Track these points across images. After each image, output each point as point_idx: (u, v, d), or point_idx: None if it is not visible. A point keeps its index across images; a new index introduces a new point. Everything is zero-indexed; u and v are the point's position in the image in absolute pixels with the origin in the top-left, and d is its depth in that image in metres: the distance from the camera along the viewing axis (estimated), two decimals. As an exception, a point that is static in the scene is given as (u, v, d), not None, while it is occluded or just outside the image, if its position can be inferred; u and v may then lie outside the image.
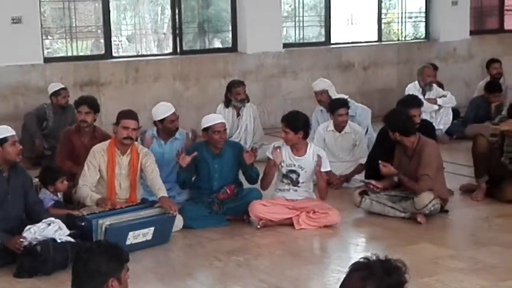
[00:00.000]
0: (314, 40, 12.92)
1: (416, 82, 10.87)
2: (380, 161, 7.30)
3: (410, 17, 13.91)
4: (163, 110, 7.91)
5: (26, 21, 10.38)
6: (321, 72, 11.76)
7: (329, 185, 7.74)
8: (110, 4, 11.27)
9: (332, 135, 8.62)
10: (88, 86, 10.57)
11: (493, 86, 11.02)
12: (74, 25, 11.21)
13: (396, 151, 7.37)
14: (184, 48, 11.91)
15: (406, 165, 7.28)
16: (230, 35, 12.17)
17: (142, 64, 11.43)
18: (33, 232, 6.09)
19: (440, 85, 11.14)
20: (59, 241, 6.11)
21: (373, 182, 7.33)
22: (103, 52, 11.37)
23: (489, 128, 8.84)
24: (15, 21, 10.26)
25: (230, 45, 12.16)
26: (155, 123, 7.94)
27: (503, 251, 6.31)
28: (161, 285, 5.90)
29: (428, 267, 5.86)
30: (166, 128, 7.88)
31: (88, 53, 11.42)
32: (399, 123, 7.30)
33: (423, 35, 13.80)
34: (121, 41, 11.82)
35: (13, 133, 6.49)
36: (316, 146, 7.62)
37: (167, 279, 6.03)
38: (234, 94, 9.60)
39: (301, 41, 12.82)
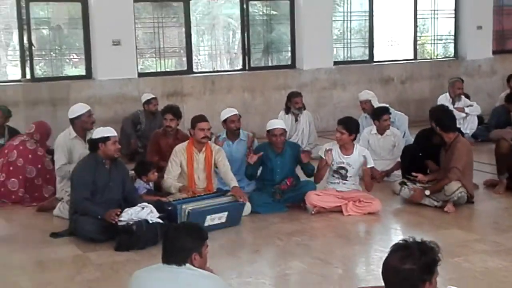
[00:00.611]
0: (359, 59, 12.85)
1: (447, 93, 10.75)
2: (413, 173, 7.38)
3: (441, 39, 13.75)
4: (226, 112, 7.96)
5: (124, 43, 10.54)
6: (365, 85, 11.68)
7: (372, 179, 7.68)
8: (192, 29, 11.38)
9: (375, 137, 8.57)
10: (173, 97, 10.68)
11: (512, 98, 10.87)
12: (162, 46, 11.37)
13: (442, 149, 7.31)
14: (252, 65, 11.94)
15: (443, 157, 7.27)
16: (289, 54, 12.18)
17: (217, 78, 11.51)
18: (130, 214, 6.22)
19: (467, 96, 10.98)
20: (150, 222, 6.21)
21: (420, 175, 7.30)
22: (185, 68, 11.46)
23: (510, 133, 8.78)
24: (115, 43, 10.44)
25: (289, 63, 12.14)
26: (222, 124, 7.99)
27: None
28: (233, 260, 5.90)
29: (457, 249, 5.79)
30: (229, 128, 7.90)
31: (173, 69, 11.52)
32: (443, 119, 7.27)
33: (452, 54, 13.61)
34: (200, 59, 11.91)
35: (115, 134, 6.65)
36: (361, 147, 7.57)
37: (238, 255, 6.08)
38: (293, 103, 9.63)
39: (349, 59, 12.76)
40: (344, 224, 6.78)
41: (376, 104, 9.29)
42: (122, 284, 5.10)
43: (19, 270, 5.78)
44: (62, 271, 5.73)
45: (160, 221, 6.26)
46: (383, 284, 3.15)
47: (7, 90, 10.01)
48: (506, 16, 13.89)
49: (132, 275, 3.72)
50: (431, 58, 13.63)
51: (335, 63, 12.32)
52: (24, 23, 10.25)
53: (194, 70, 11.55)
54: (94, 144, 6.54)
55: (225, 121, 7.89)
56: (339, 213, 7.00)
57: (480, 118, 10.89)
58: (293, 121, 9.61)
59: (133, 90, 10.57)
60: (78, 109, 7.61)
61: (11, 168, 7.82)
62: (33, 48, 10.39)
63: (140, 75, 10.89)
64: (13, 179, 7.80)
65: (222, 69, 12.00)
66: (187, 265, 3.59)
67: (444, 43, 13.78)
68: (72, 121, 7.53)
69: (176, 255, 3.60)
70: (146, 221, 6.21)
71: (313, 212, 7.02)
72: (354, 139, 7.32)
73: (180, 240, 3.64)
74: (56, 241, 6.44)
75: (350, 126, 7.17)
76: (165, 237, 3.75)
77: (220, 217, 6.59)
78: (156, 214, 6.31)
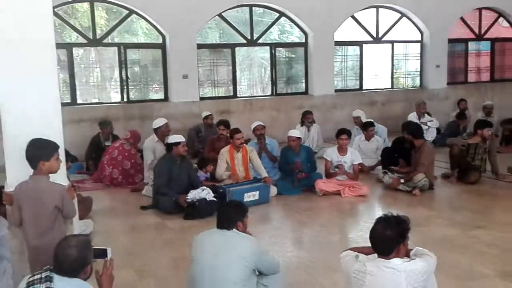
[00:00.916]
0: (352, 87, 12.67)
1: (415, 112, 10.65)
2: (393, 167, 7.55)
3: (410, 74, 13.55)
4: (254, 124, 7.91)
5: (190, 77, 10.54)
6: (357, 106, 11.49)
7: (362, 171, 7.69)
8: (236, 67, 11.38)
9: (364, 143, 8.47)
10: (223, 113, 10.63)
11: (461, 116, 10.74)
12: (215, 79, 11.38)
13: (412, 151, 7.30)
14: (277, 92, 11.88)
15: (413, 157, 7.21)
16: (303, 84, 12.08)
17: (254, 101, 11.48)
18: (194, 194, 6.30)
19: (429, 114, 10.84)
20: (208, 200, 6.28)
21: (398, 167, 7.49)
22: (231, 94, 11.43)
23: (460, 140, 8.71)
24: (184, 77, 10.46)
25: (304, 90, 12.05)
26: (252, 132, 7.91)
27: (469, 213, 6.11)
28: (265, 226, 5.91)
29: (422, 221, 5.75)
30: (255, 134, 7.82)
31: (223, 95, 11.45)
32: (414, 130, 7.33)
33: (418, 85, 13.37)
34: (241, 88, 11.88)
35: (184, 139, 6.71)
36: (352, 149, 7.56)
37: (267, 223, 6.13)
38: (306, 118, 9.58)
39: (345, 88, 12.58)
40: (342, 203, 6.75)
41: (364, 119, 9.22)
42: (188, 242, 5.08)
43: (120, 232, 5.87)
44: (148, 233, 5.81)
45: (214, 199, 6.31)
46: (370, 245, 3.16)
47: (111, 109, 10.11)
48: (457, 58, 13.66)
49: (196, 235, 3.72)
50: (403, 87, 13.43)
51: (336, 90, 12.21)
52: (122, 63, 10.36)
53: (238, 95, 11.52)
54: (169, 147, 6.63)
55: (253, 130, 7.85)
56: (338, 195, 6.97)
57: (438, 129, 10.73)
58: (306, 131, 9.55)
59: (196, 109, 10.58)
60: (159, 121, 7.72)
61: (113, 162, 7.91)
62: (128, 80, 10.51)
63: (201, 99, 10.89)
64: (115, 170, 7.89)
65: (257, 95, 11.95)
66: (234, 229, 3.59)
67: (412, 76, 13.58)
68: (155, 130, 7.64)
69: (226, 222, 3.59)
70: (205, 199, 6.28)
71: (320, 194, 6.99)
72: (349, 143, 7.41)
73: (229, 212, 3.65)
74: (144, 212, 6.52)
75: (349, 134, 7.47)
76: (218, 210, 3.73)
77: (254, 195, 6.61)
78: (211, 194, 6.37)
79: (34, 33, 3.76)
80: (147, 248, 5.26)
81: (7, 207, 3.72)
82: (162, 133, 7.55)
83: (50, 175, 3.62)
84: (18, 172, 3.67)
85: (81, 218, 4.96)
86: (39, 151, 3.56)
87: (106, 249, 3.23)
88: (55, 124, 3.82)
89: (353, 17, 12.17)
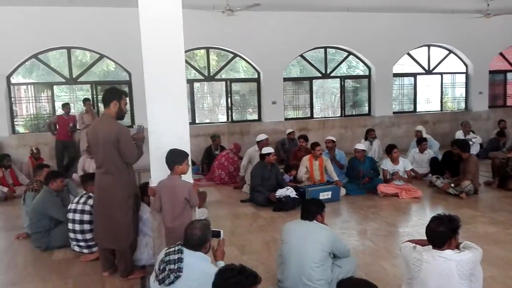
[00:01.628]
0: (407, 110, 12.14)
1: (461, 130, 9.95)
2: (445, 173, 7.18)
3: (456, 99, 12.71)
4: (327, 139, 7.72)
5: (278, 103, 10.60)
6: (411, 125, 11.08)
7: (415, 178, 7.35)
8: (313, 94, 11.31)
9: (418, 154, 8.04)
10: (303, 130, 10.58)
11: (501, 133, 9.91)
12: (296, 104, 11.36)
13: (460, 162, 6.90)
14: (346, 114, 11.64)
15: (461, 167, 6.83)
16: (367, 108, 11.77)
17: (326, 120, 11.30)
18: (281, 192, 6.34)
19: (473, 132, 10.09)
20: (292, 197, 6.28)
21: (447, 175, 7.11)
22: (309, 115, 11.35)
23: (500, 154, 8.07)
24: (273, 103, 10.59)
25: (367, 112, 11.75)
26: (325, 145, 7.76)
27: (508, 214, 5.67)
28: (336, 219, 5.80)
29: (468, 220, 5.40)
30: (327, 147, 7.65)
31: (302, 116, 11.37)
32: (462, 145, 6.93)
33: (464, 108, 12.54)
34: (316, 110, 11.73)
35: (272, 150, 6.72)
36: (403, 158, 7.21)
37: (338, 217, 6.00)
38: (369, 135, 9.24)
39: (401, 110, 12.07)
40: (399, 203, 6.50)
41: (424, 134, 8.74)
42: (277, 228, 5.16)
43: (225, 218, 5.94)
44: (246, 220, 5.87)
45: (296, 196, 6.30)
46: (425, 238, 3.03)
47: (219, 127, 10.36)
48: (496, 86, 12.72)
49: (286, 223, 3.75)
50: (451, 110, 12.65)
51: (393, 112, 11.74)
52: (228, 93, 10.65)
53: (314, 116, 11.42)
54: (262, 156, 6.68)
55: (325, 142, 7.71)
56: (397, 197, 6.71)
57: (481, 145, 9.96)
58: (369, 145, 9.19)
59: (281, 127, 10.60)
60: (261, 136, 7.65)
61: (221, 166, 8.07)
62: (232, 105, 10.76)
63: (285, 119, 10.89)
64: (222, 172, 8.04)
65: (329, 116, 11.75)
66: (314, 221, 3.61)
67: (458, 101, 12.74)
68: (258, 142, 7.60)
69: (308, 215, 3.60)
70: (289, 196, 6.29)
71: (381, 196, 6.77)
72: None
73: (311, 207, 3.66)
74: (243, 204, 6.61)
75: (388, 150, 7.12)
76: (302, 205, 3.73)
77: (327, 194, 6.54)
78: (294, 192, 6.37)
79: (172, 72, 3.86)
80: (246, 231, 5.34)
81: (151, 198, 3.89)
82: (262, 145, 7.59)
83: (181, 175, 3.75)
84: (159, 172, 3.79)
85: (198, 207, 5.15)
86: (175, 158, 3.67)
87: (220, 231, 3.36)
88: (185, 138, 3.92)
89: (408, 54, 11.70)
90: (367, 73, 11.62)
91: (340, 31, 10.82)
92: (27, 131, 9.56)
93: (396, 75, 11.76)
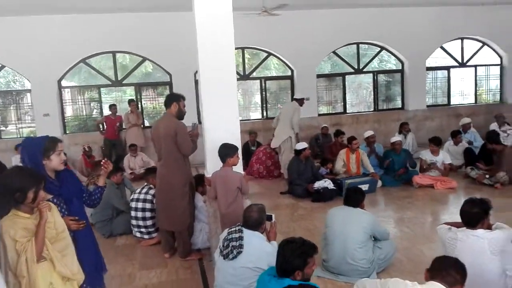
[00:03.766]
0: (441, 103, 12.18)
1: (496, 122, 9.93)
2: (479, 164, 7.19)
3: (491, 91, 12.62)
4: (368, 133, 7.86)
5: (311, 98, 10.55)
6: (445, 118, 11.19)
7: (451, 170, 7.48)
8: (346, 90, 11.49)
9: (452, 147, 8.17)
10: (337, 125, 10.72)
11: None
12: (329, 99, 11.51)
13: (494, 154, 7.05)
14: (379, 108, 11.77)
15: (496, 158, 6.97)
16: (400, 101, 11.88)
17: (360, 115, 11.44)
18: (319, 184, 6.60)
19: (508, 124, 10.06)
20: (329, 188, 6.51)
21: (481, 165, 7.15)
22: (342, 110, 11.52)
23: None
24: (306, 99, 10.14)
25: (400, 106, 11.85)
26: (364, 140, 7.87)
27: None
28: (374, 208, 5.97)
29: (501, 206, 5.54)
30: (368, 141, 7.71)
31: (335, 111, 11.50)
32: (494, 138, 7.06)
33: (498, 100, 12.45)
34: (349, 105, 11.93)
35: (307, 146, 7.00)
36: (443, 151, 7.40)
37: (376, 207, 6.19)
38: (403, 128, 9.34)
39: (435, 103, 12.09)
40: (434, 193, 6.69)
41: (470, 126, 8.87)
42: (316, 217, 5.48)
43: (267, 208, 6.00)
44: (286, 210, 6.15)
45: (334, 188, 6.54)
46: (459, 221, 3.33)
47: (255, 123, 10.61)
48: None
49: (330, 209, 4.06)
50: (485, 102, 12.57)
51: (427, 106, 11.80)
52: (262, 90, 10.94)
53: (347, 111, 11.58)
54: (298, 152, 6.94)
55: (367, 137, 7.84)
56: (432, 188, 6.90)
57: (516, 136, 9.96)
58: (403, 138, 9.30)
59: (315, 122, 10.78)
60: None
61: (259, 161, 8.38)
62: (266, 103, 11.04)
63: (319, 114, 11.05)
64: (260, 166, 8.36)
65: (362, 111, 11.92)
66: (358, 208, 3.97)
67: (493, 93, 12.65)
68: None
69: (353, 201, 3.92)
70: (327, 187, 6.53)
71: (416, 187, 6.98)
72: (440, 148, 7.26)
73: (356, 195, 3.97)
74: (282, 196, 6.90)
75: (436, 142, 7.20)
76: (346, 193, 4.02)
77: (365, 186, 6.62)
78: (331, 184, 6.60)
79: (224, 71, 4.14)
80: (288, 219, 5.67)
81: (207, 187, 4.33)
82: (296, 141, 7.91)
83: (233, 167, 4.13)
84: (213, 164, 4.11)
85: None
86: (227, 151, 3.97)
87: (271, 215, 3.76)
88: (236, 133, 4.27)
89: (441, 47, 11.73)
90: (400, 67, 11.72)
91: (372, 27, 10.95)
92: (77, 131, 10.26)
93: (429, 68, 11.80)
